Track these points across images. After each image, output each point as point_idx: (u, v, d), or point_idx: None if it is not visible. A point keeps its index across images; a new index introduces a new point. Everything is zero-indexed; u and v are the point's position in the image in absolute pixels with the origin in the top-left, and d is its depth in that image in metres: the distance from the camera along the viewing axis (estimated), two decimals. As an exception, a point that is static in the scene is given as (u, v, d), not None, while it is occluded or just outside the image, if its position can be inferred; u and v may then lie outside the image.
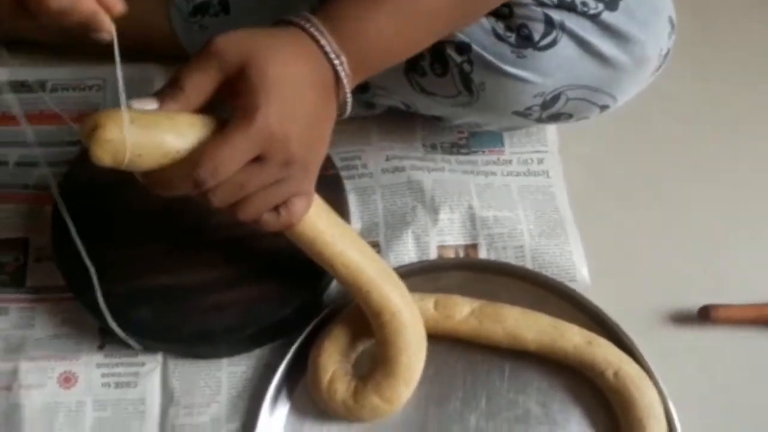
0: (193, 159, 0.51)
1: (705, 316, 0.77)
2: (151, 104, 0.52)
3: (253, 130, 0.51)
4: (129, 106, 0.51)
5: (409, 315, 0.66)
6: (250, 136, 0.51)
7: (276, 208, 0.58)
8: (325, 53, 0.55)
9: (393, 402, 0.67)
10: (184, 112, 0.52)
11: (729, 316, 0.77)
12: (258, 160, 0.53)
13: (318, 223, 0.62)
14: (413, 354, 0.67)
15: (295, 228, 0.61)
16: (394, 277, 0.68)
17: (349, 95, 0.58)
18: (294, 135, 0.53)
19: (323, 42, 0.54)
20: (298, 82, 0.53)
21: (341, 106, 0.59)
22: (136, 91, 0.89)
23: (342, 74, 0.55)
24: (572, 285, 0.76)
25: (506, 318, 0.71)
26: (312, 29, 0.54)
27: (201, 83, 0.52)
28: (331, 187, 0.75)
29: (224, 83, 0.52)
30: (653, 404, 0.68)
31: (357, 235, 0.68)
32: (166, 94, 0.52)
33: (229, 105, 0.53)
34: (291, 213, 0.58)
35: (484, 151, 0.87)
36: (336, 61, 0.55)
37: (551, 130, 0.89)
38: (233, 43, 0.52)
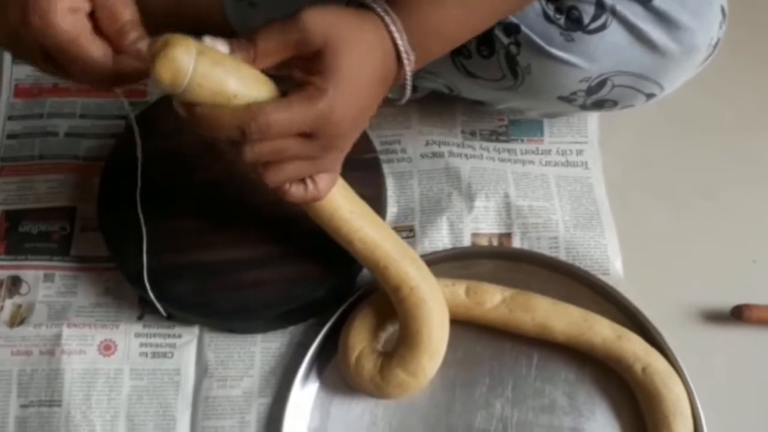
0: (250, 109, 0.52)
1: (738, 315, 0.76)
2: (222, 46, 0.53)
3: (316, 109, 0.52)
4: (200, 40, 0.52)
5: (428, 289, 0.67)
6: (311, 114, 0.52)
7: (303, 181, 0.59)
8: (398, 52, 0.56)
9: (418, 375, 0.68)
10: (249, 65, 0.53)
11: (762, 317, 0.76)
12: (305, 134, 0.54)
13: (336, 199, 0.64)
14: (435, 327, 0.67)
15: (315, 203, 0.63)
16: (411, 252, 0.69)
17: (409, 86, 0.59)
18: (346, 124, 0.55)
19: (399, 42, 0.55)
20: (366, 76, 0.55)
21: (396, 91, 0.60)
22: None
23: (407, 69, 0.57)
24: (605, 278, 0.76)
25: (537, 308, 0.71)
26: (390, 25, 0.55)
27: (276, 49, 0.53)
28: (370, 170, 0.76)
29: (297, 56, 0.54)
30: (680, 401, 0.68)
31: (374, 213, 0.69)
32: (239, 44, 0.53)
33: (294, 76, 0.54)
34: (318, 188, 0.60)
35: (523, 140, 0.87)
36: (406, 61, 0.56)
37: (592, 120, 0.88)
38: (320, 23, 0.53)
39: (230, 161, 0.56)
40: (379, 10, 0.55)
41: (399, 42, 0.55)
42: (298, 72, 0.54)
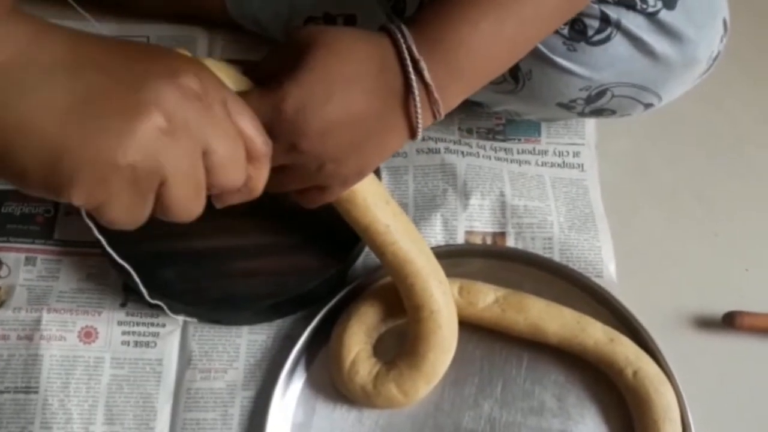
0: None
1: (729, 322, 0.76)
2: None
3: (268, 103, 0.49)
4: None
5: (447, 315, 0.66)
6: (262, 107, 0.49)
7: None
8: (401, 58, 0.51)
9: (410, 396, 0.67)
10: (235, 68, 0.52)
11: (754, 324, 0.76)
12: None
13: (373, 211, 0.64)
14: (442, 354, 0.66)
15: (350, 212, 0.64)
16: (441, 274, 0.67)
17: (420, 109, 0.52)
18: (313, 127, 0.50)
19: (402, 46, 0.51)
20: (346, 78, 0.50)
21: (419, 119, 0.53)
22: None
23: (413, 82, 0.51)
24: (598, 281, 0.76)
25: (530, 309, 0.71)
26: (395, 31, 0.51)
27: (265, 63, 0.53)
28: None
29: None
30: (670, 407, 0.68)
31: (413, 227, 0.68)
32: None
33: None
34: (305, 200, 0.58)
35: (520, 140, 0.87)
36: (410, 68, 0.51)
37: (590, 124, 0.88)
38: (304, 33, 0.51)
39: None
40: (388, 25, 0.52)
41: (402, 49, 0.51)
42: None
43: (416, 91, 0.51)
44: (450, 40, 0.52)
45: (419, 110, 0.52)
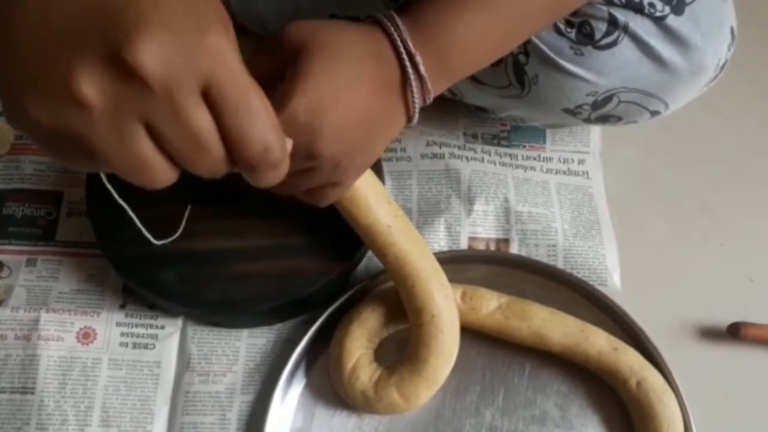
0: None
1: (734, 333, 0.76)
2: None
3: (280, 118, 0.49)
4: None
5: (448, 319, 0.65)
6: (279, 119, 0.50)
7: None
8: (397, 53, 0.53)
9: (411, 401, 0.66)
10: None
11: (758, 335, 0.76)
12: None
13: (375, 211, 0.64)
14: (443, 359, 0.66)
15: (352, 212, 0.64)
16: (443, 278, 0.67)
17: (417, 99, 0.56)
18: (328, 129, 0.52)
19: (397, 41, 0.53)
20: (349, 79, 0.52)
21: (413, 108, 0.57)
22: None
23: (410, 75, 0.54)
24: (602, 289, 0.75)
25: (533, 316, 0.70)
26: (390, 26, 0.53)
27: (259, 62, 0.53)
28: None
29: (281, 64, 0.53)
30: (674, 418, 0.67)
31: (414, 230, 0.68)
32: None
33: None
34: (317, 199, 0.60)
35: (525, 146, 0.86)
36: (407, 62, 0.54)
37: (595, 132, 0.88)
38: (298, 31, 0.52)
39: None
40: (381, 18, 0.54)
41: (396, 40, 0.53)
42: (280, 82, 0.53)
43: (413, 83, 0.55)
44: (444, 40, 0.55)
45: (417, 99, 0.56)
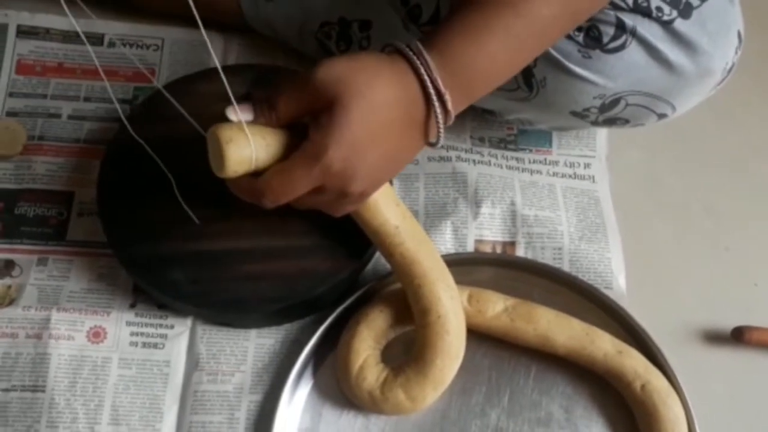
0: (258, 184, 0.56)
1: (738, 337, 0.76)
2: (247, 114, 0.56)
3: (317, 169, 0.54)
4: (227, 113, 0.55)
5: (454, 320, 0.66)
6: (312, 174, 0.54)
7: None
8: (426, 93, 0.55)
9: (417, 402, 0.67)
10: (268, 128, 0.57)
11: (762, 339, 0.76)
12: (318, 188, 0.56)
13: (384, 213, 0.66)
14: (449, 360, 0.66)
15: (361, 215, 0.65)
16: (450, 280, 0.67)
17: (442, 130, 0.57)
18: (360, 173, 0.56)
19: (427, 82, 0.54)
20: (381, 127, 0.55)
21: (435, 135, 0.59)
22: (194, 53, 0.89)
23: (438, 112, 0.56)
24: (607, 292, 0.75)
25: (539, 319, 0.70)
26: (419, 66, 0.54)
27: (292, 109, 0.56)
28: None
29: (313, 108, 0.55)
30: (678, 421, 0.67)
31: (422, 231, 0.68)
32: (262, 111, 0.56)
33: (308, 128, 0.55)
34: (333, 212, 0.63)
35: (531, 150, 0.87)
36: (435, 102, 0.55)
37: (601, 135, 0.88)
38: (331, 78, 0.54)
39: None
40: (410, 53, 0.55)
41: (426, 82, 0.54)
42: (311, 124, 0.55)
43: (440, 118, 0.56)
44: (469, 76, 0.56)
45: (441, 130, 0.57)
